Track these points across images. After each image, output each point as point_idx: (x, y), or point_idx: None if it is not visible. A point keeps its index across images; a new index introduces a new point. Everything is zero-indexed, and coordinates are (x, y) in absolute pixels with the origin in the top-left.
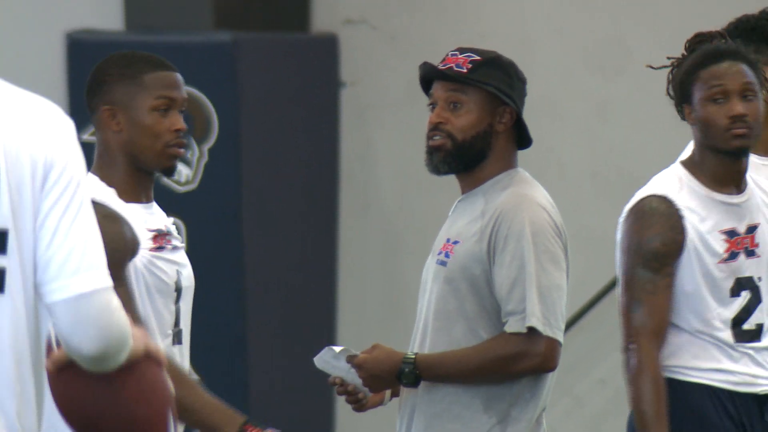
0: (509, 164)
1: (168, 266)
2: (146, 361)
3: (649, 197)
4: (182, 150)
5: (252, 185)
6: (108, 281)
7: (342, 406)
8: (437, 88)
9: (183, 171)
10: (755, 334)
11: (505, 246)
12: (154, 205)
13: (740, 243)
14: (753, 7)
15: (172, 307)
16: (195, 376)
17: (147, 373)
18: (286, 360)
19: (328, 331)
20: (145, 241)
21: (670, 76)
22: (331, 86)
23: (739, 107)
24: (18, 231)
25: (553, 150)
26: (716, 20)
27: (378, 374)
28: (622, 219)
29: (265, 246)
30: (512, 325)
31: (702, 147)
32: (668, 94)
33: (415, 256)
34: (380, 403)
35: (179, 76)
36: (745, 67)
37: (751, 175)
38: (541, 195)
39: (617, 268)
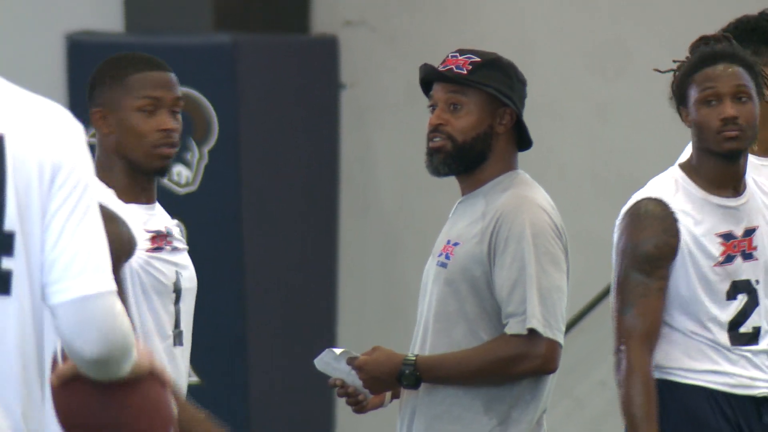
0: (510, 166)
1: (166, 267)
2: (151, 379)
3: (644, 200)
4: (171, 150)
5: (252, 187)
6: (112, 285)
7: (342, 407)
8: (437, 90)
9: (183, 173)
10: (752, 337)
11: (506, 247)
12: (157, 206)
13: (737, 246)
14: (753, 8)
15: (171, 309)
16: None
17: (151, 392)
18: (286, 361)
19: (328, 332)
20: (143, 242)
21: (673, 79)
22: (330, 88)
23: (730, 109)
24: (25, 233)
25: (553, 151)
26: (716, 21)
27: (378, 376)
28: (618, 221)
29: (265, 247)
30: (513, 327)
31: (698, 150)
32: (670, 96)
33: (415, 257)
34: (380, 404)
35: (169, 76)
36: (739, 70)
37: (753, 177)
38: (541, 196)
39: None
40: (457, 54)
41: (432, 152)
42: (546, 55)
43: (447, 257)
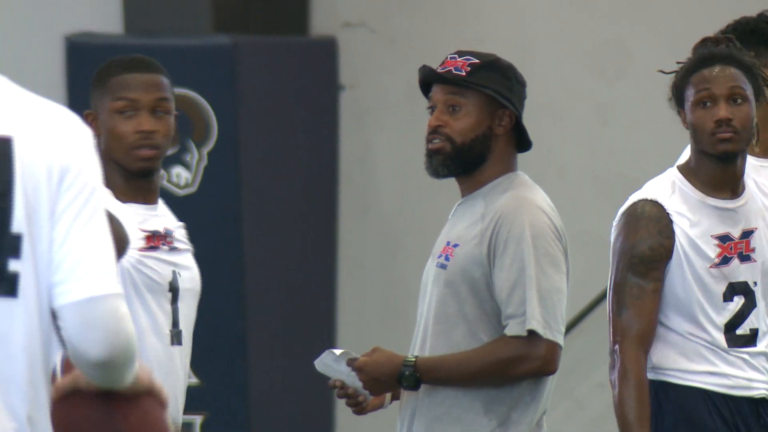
0: (509, 167)
1: (161, 266)
2: (149, 397)
3: (640, 201)
4: (151, 151)
5: (251, 188)
6: (118, 288)
7: (342, 408)
8: (436, 92)
9: (182, 174)
10: (749, 339)
11: (505, 249)
12: (160, 206)
13: (734, 248)
14: (753, 9)
15: (168, 307)
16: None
17: (150, 410)
18: (286, 361)
19: (327, 332)
20: (137, 241)
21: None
22: (330, 89)
23: (723, 111)
24: (32, 236)
25: (553, 152)
26: (716, 22)
27: (378, 377)
28: (614, 222)
29: (265, 248)
30: (512, 328)
31: (696, 151)
32: (669, 98)
33: (415, 258)
34: (380, 406)
35: (149, 77)
36: (735, 71)
37: (754, 178)
38: (541, 198)
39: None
40: (456, 55)
41: (431, 154)
42: (546, 55)
43: (447, 258)
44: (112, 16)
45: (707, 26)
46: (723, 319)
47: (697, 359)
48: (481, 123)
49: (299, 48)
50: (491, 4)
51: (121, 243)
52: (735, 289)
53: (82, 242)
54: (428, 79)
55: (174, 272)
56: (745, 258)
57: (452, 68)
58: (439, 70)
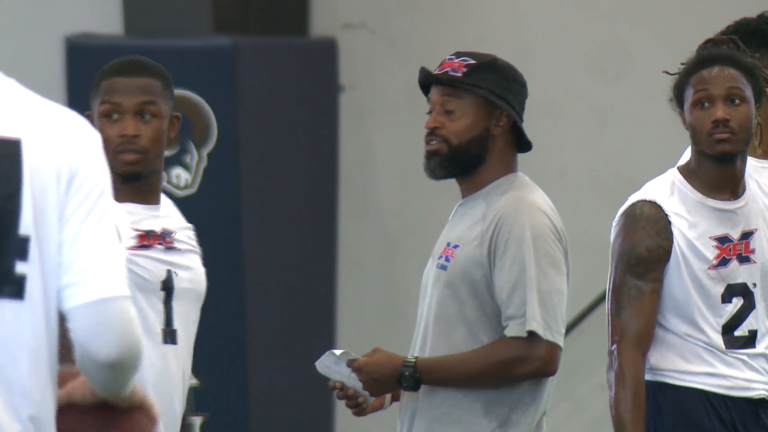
0: (509, 168)
1: (153, 264)
2: (141, 412)
3: (639, 202)
4: (135, 155)
5: (251, 189)
6: (128, 290)
7: (342, 408)
8: (433, 93)
9: (182, 175)
10: (748, 341)
11: (506, 250)
12: (162, 207)
13: (732, 249)
14: (753, 10)
15: (160, 306)
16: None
17: (142, 424)
18: (286, 362)
19: (327, 333)
20: (127, 240)
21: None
22: (330, 90)
23: (720, 112)
24: (40, 238)
25: (554, 154)
26: (716, 23)
27: (378, 377)
28: (614, 222)
29: (265, 249)
30: (512, 330)
31: (695, 152)
32: (670, 99)
33: (414, 258)
34: (380, 407)
35: (139, 81)
36: (734, 72)
37: (757, 179)
38: (541, 199)
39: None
40: (454, 57)
41: (429, 155)
42: (546, 56)
43: (447, 260)
44: (112, 16)
45: (707, 27)
46: (721, 320)
47: (695, 360)
48: (477, 124)
49: (299, 49)
50: (491, 5)
51: None
52: (733, 290)
53: (92, 244)
54: (425, 81)
55: (169, 271)
56: (744, 259)
57: (449, 69)
58: (436, 72)
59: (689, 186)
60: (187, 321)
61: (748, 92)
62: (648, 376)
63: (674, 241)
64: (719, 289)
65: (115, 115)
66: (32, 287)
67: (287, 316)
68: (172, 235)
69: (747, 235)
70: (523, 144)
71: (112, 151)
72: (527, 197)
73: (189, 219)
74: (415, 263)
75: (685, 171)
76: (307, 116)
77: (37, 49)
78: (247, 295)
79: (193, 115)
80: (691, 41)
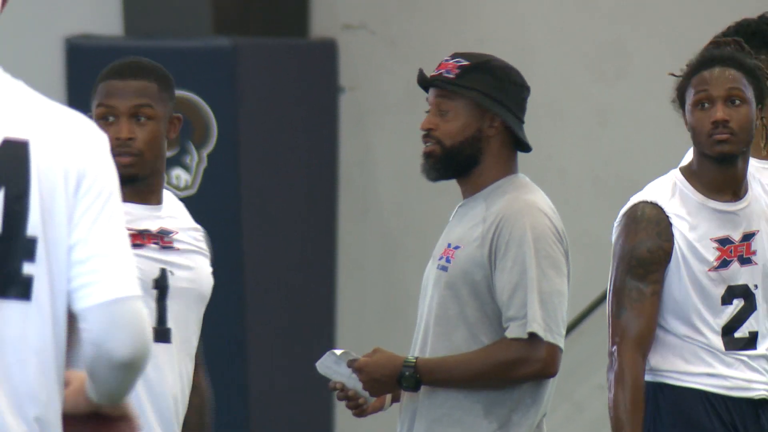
0: (509, 169)
1: (145, 263)
2: (126, 421)
3: (640, 203)
4: (126, 158)
5: (251, 190)
6: (140, 291)
7: (342, 408)
8: (430, 94)
9: (182, 176)
10: (748, 342)
11: (507, 251)
12: (165, 207)
13: (734, 251)
14: (753, 11)
15: (152, 305)
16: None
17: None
18: (286, 362)
19: (327, 334)
20: None
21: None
22: (330, 91)
23: (720, 113)
24: (48, 240)
25: (554, 155)
26: (717, 24)
27: (378, 378)
28: (615, 223)
29: (265, 250)
30: (513, 331)
31: (697, 153)
32: (673, 100)
33: (414, 259)
34: (381, 408)
35: (134, 84)
36: (735, 73)
37: (761, 180)
38: (542, 200)
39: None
40: (450, 58)
41: (424, 157)
42: (546, 57)
43: (447, 261)
44: (112, 18)
45: (707, 27)
46: (720, 321)
47: (695, 361)
48: (470, 125)
49: (299, 50)
50: (491, 6)
51: None
52: (734, 292)
53: (104, 245)
54: (421, 83)
55: (163, 270)
56: (745, 261)
57: (443, 71)
58: (432, 74)
59: (690, 187)
60: (184, 320)
61: (749, 93)
62: (648, 377)
63: (675, 242)
64: (719, 291)
65: (111, 118)
66: (39, 288)
67: (287, 316)
68: (171, 235)
69: (748, 237)
70: (522, 144)
71: None
72: (528, 198)
73: None
74: (414, 263)
75: (686, 172)
76: (307, 117)
77: (37, 50)
78: (247, 295)
79: (193, 116)
80: (691, 42)
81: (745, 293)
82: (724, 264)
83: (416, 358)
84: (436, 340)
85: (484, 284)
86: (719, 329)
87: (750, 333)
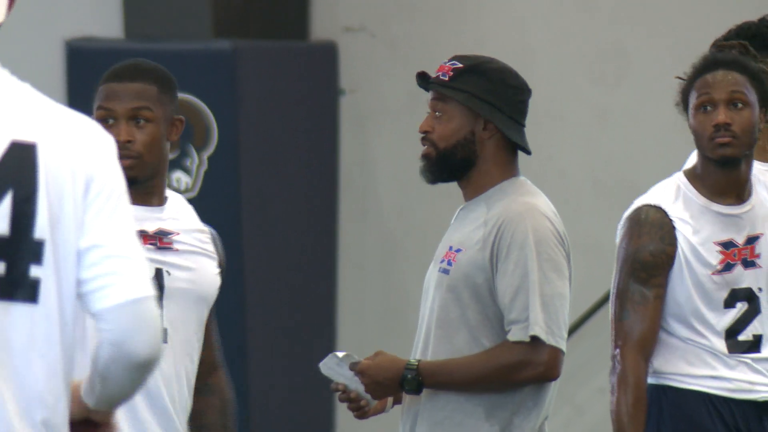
0: (509, 172)
1: None
2: (109, 427)
3: (643, 206)
4: (125, 161)
5: (252, 192)
6: (153, 290)
7: (342, 409)
8: (429, 97)
9: (182, 179)
10: (752, 345)
11: (508, 254)
12: (167, 208)
13: (737, 254)
14: (754, 14)
15: None
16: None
17: None
18: (286, 364)
19: (327, 335)
20: None
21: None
22: (330, 94)
23: (722, 116)
24: (55, 243)
25: (554, 156)
26: (717, 27)
27: (381, 381)
28: (619, 227)
29: (265, 252)
30: (515, 334)
31: (700, 156)
32: (677, 103)
33: (414, 261)
34: (382, 410)
35: (132, 86)
36: (738, 76)
37: (765, 183)
38: (543, 203)
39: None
40: (449, 60)
41: (421, 159)
42: (546, 59)
43: (449, 264)
44: (112, 20)
45: (708, 30)
46: (723, 324)
47: (698, 363)
48: (462, 128)
49: (299, 53)
50: (491, 9)
51: None
52: (737, 295)
53: (120, 246)
54: (419, 85)
55: (158, 270)
56: (749, 264)
57: (440, 74)
58: (433, 76)
59: (694, 190)
60: (184, 321)
61: (752, 97)
62: (651, 380)
63: (678, 246)
64: (722, 294)
65: (110, 121)
66: (46, 291)
67: (287, 317)
68: (170, 236)
69: (752, 240)
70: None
71: None
72: (529, 201)
73: None
74: (414, 265)
75: (690, 175)
76: (308, 119)
77: (37, 53)
78: (247, 297)
79: (194, 119)
80: (691, 44)
81: (749, 296)
82: (727, 267)
83: (418, 361)
84: (437, 342)
85: (485, 287)
86: (722, 332)
87: (754, 336)
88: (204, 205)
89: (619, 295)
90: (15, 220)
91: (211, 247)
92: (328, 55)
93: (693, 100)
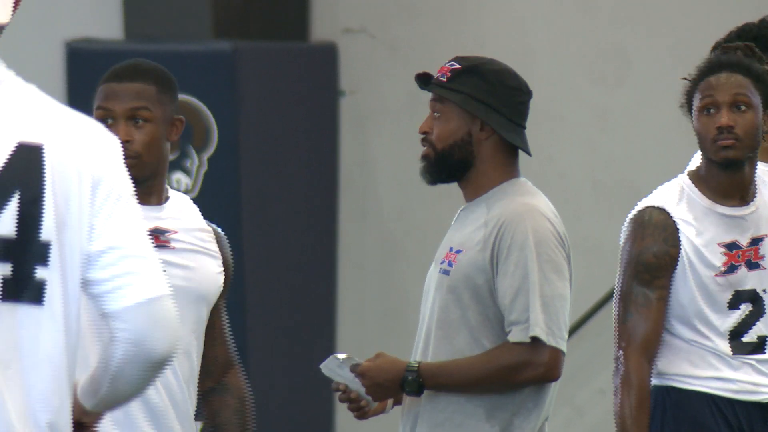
0: (509, 173)
1: None
2: (92, 429)
3: (647, 208)
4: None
5: (252, 193)
6: (169, 289)
7: (342, 410)
8: (430, 98)
9: (182, 180)
10: (757, 347)
11: (509, 255)
12: (167, 207)
13: (741, 256)
14: (754, 15)
15: None
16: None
17: None
18: (286, 365)
19: (327, 336)
20: None
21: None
22: (330, 95)
23: (725, 118)
24: (61, 244)
25: (554, 158)
26: (717, 29)
27: (381, 382)
28: (623, 228)
29: (265, 253)
30: (515, 335)
31: (704, 158)
32: (681, 105)
33: (414, 262)
34: (382, 411)
35: (130, 86)
36: (741, 79)
37: None
38: (544, 204)
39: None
40: (448, 61)
41: (421, 160)
42: (546, 60)
43: (449, 264)
44: (112, 21)
45: (708, 32)
46: (727, 326)
47: (701, 365)
48: (459, 128)
49: (299, 54)
50: (491, 10)
51: None
52: (741, 296)
53: (134, 247)
54: (419, 86)
55: None
56: (753, 265)
57: (439, 75)
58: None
59: (698, 192)
60: (180, 319)
61: (756, 99)
62: (655, 381)
63: (682, 248)
64: (726, 296)
65: (109, 121)
66: (52, 293)
67: (287, 318)
68: (168, 234)
69: (756, 241)
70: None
71: None
72: (530, 202)
73: None
74: (414, 266)
75: (694, 177)
76: (308, 121)
77: (37, 54)
78: (247, 298)
79: (194, 120)
80: (691, 45)
81: (753, 298)
82: (731, 269)
83: (419, 362)
84: (437, 343)
85: (485, 288)
86: (726, 334)
87: (759, 337)
88: (204, 206)
89: (622, 297)
90: (22, 221)
91: (213, 246)
92: (328, 56)
93: (697, 102)
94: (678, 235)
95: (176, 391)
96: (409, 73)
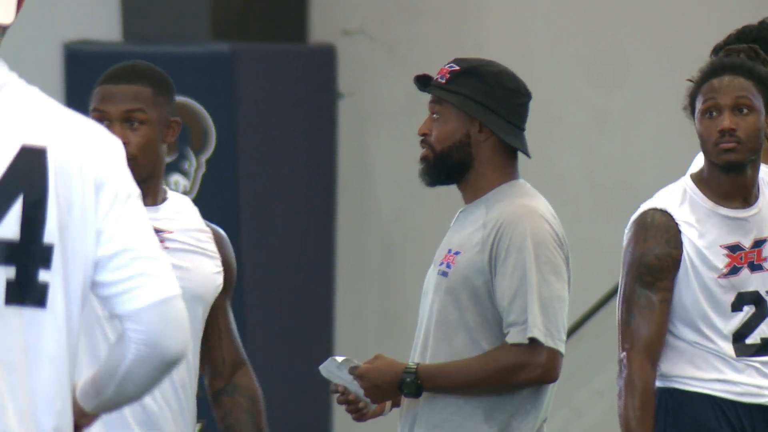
0: (508, 174)
1: None
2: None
3: (650, 210)
4: None
5: (250, 195)
6: (179, 290)
7: (340, 412)
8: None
9: (180, 182)
10: (760, 348)
11: (507, 257)
12: (164, 208)
13: (744, 257)
14: (754, 17)
15: None
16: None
17: None
18: (285, 366)
19: (326, 338)
20: None
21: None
22: (328, 97)
23: (726, 121)
24: (64, 247)
25: (552, 160)
26: (717, 30)
27: (380, 384)
28: (626, 231)
29: (264, 255)
30: (514, 336)
31: (706, 161)
32: (684, 107)
33: (412, 264)
34: (381, 413)
35: (126, 88)
36: (744, 81)
37: None
38: (542, 206)
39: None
40: (448, 63)
41: (420, 161)
42: (545, 63)
43: (448, 266)
44: (110, 23)
45: (707, 33)
46: (730, 328)
47: (705, 367)
48: (458, 130)
49: (298, 55)
50: (491, 12)
51: None
52: (744, 298)
53: (143, 248)
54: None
55: None
56: (756, 267)
57: (438, 76)
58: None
59: (701, 194)
60: None
61: (758, 102)
62: (658, 383)
63: (684, 249)
64: (729, 298)
65: (105, 122)
66: (54, 296)
67: (286, 320)
68: (163, 234)
69: (759, 243)
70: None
71: None
72: (528, 204)
73: None
74: (413, 268)
75: (697, 179)
76: (306, 122)
77: (35, 55)
78: (245, 300)
79: (192, 122)
80: (690, 46)
81: (757, 300)
82: (734, 271)
83: (417, 364)
84: (436, 345)
85: (484, 290)
86: (729, 336)
87: (762, 339)
88: (202, 208)
89: (625, 299)
90: (25, 224)
91: (211, 246)
92: (326, 57)
93: (699, 105)
94: (680, 237)
95: (169, 391)
96: (408, 75)
